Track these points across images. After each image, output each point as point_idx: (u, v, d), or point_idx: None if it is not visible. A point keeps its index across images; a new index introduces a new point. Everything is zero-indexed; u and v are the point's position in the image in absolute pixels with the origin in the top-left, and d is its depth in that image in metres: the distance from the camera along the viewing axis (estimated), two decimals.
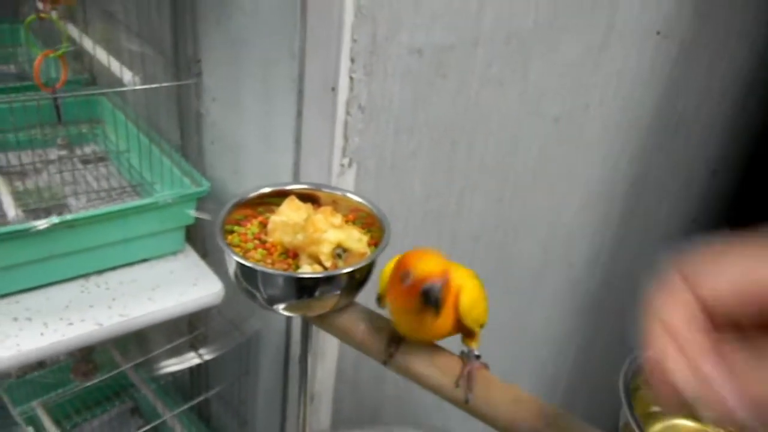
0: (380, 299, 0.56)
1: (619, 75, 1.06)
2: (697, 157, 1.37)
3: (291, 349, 0.96)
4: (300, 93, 0.77)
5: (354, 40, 0.70)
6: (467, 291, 0.52)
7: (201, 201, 0.90)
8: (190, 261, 0.92)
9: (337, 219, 0.58)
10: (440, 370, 0.53)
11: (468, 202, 0.96)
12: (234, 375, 1.04)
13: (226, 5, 0.83)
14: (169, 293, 0.84)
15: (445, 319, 0.51)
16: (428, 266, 0.48)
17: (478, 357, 0.54)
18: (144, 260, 0.88)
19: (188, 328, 1.11)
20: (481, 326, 0.54)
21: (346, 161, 0.77)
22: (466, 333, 0.54)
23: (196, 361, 1.04)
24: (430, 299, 0.47)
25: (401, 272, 0.49)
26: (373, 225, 0.61)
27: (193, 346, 1.07)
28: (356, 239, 0.56)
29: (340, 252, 0.56)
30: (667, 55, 1.13)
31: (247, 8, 0.80)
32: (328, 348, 0.91)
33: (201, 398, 1.06)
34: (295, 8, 0.73)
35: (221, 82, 0.90)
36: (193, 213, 0.87)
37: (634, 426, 0.42)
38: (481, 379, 0.52)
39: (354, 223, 0.61)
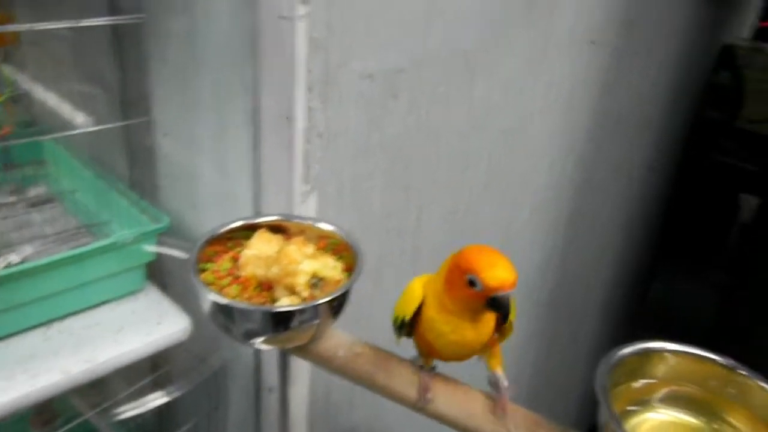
0: (401, 327, 0.54)
1: (558, 85, 1.10)
2: (635, 157, 1.44)
3: (262, 378, 0.95)
4: (256, 124, 0.78)
5: (309, 71, 0.71)
6: None
7: (160, 236, 0.89)
8: (152, 298, 0.90)
9: (310, 249, 0.59)
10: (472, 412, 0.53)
11: (426, 217, 0.98)
12: (203, 410, 1.02)
13: (174, 41, 0.83)
14: (135, 334, 0.83)
15: (489, 322, 0.50)
16: (500, 274, 0.46)
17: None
18: (106, 302, 0.86)
19: (151, 365, 1.09)
20: (511, 324, 0.54)
21: (307, 188, 0.78)
22: (492, 345, 0.53)
23: (164, 399, 1.02)
24: (500, 308, 0.46)
25: (467, 275, 0.46)
26: (344, 251, 0.62)
27: (159, 384, 1.04)
28: (331, 267, 0.57)
29: (316, 281, 0.57)
30: (600, 63, 1.18)
31: (197, 44, 0.81)
32: (299, 374, 0.91)
33: None
34: (246, 42, 0.73)
35: (172, 116, 0.90)
36: (154, 249, 0.86)
37: (614, 425, 0.44)
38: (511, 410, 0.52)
39: (325, 250, 0.62)
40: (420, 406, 0.52)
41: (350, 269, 0.60)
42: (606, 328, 1.73)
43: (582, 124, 1.22)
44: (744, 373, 0.47)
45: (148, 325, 0.85)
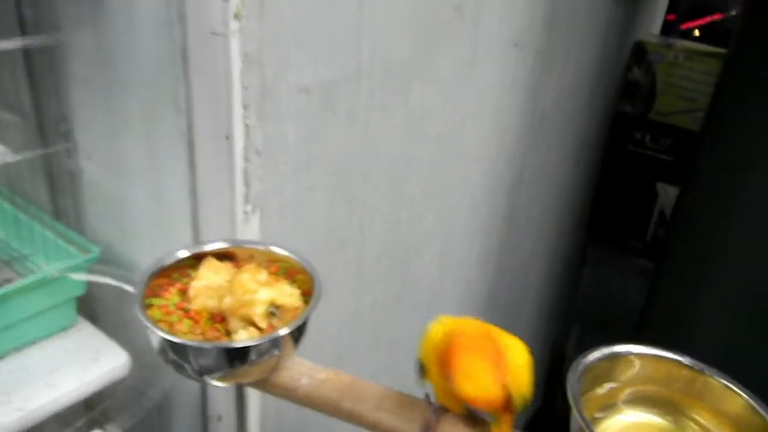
0: (422, 371, 0.50)
1: (488, 87, 1.12)
2: (561, 153, 1.48)
3: (209, 407, 0.92)
4: (191, 145, 0.74)
5: (245, 88, 0.68)
6: (516, 353, 0.48)
7: (90, 268, 0.83)
8: (85, 334, 0.85)
9: (263, 275, 0.56)
10: None
11: (369, 227, 0.97)
12: None
13: (94, 60, 0.78)
14: (70, 374, 0.78)
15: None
16: (471, 390, 0.43)
17: None
18: (35, 341, 0.80)
19: (86, 403, 1.03)
20: (525, 400, 0.48)
21: (249, 208, 0.75)
22: (502, 411, 0.48)
23: None
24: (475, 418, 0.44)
25: (446, 373, 0.44)
26: (297, 274, 0.60)
27: (97, 422, 0.98)
28: (288, 294, 0.55)
29: (274, 310, 0.54)
30: (525, 64, 1.21)
31: (120, 62, 0.76)
32: (250, 399, 0.88)
33: None
34: (176, 60, 0.70)
35: (96, 139, 0.85)
36: (86, 278, 0.80)
37: (586, 430, 0.45)
38: None
39: (277, 275, 0.60)
40: None
41: (306, 293, 0.58)
42: (543, 319, 1.78)
43: (511, 124, 1.24)
44: (707, 372, 0.48)
45: (84, 362, 0.80)
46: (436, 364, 0.47)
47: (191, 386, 0.93)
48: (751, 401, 0.46)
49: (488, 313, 1.45)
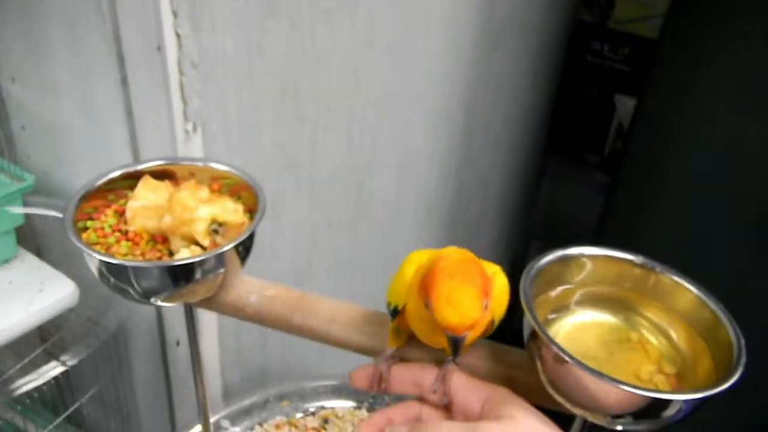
0: (394, 312, 0.47)
1: None
2: (518, 65, 1.45)
3: (166, 333, 0.90)
4: (120, 57, 0.69)
5: None
6: (500, 276, 0.47)
7: (26, 197, 0.79)
8: (28, 265, 0.82)
9: (204, 192, 0.53)
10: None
11: (321, 146, 0.94)
12: (107, 375, 0.96)
13: None
14: (15, 306, 0.75)
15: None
16: (451, 317, 0.40)
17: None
18: None
19: (41, 335, 1.00)
20: (495, 324, 0.47)
21: (189, 126, 0.71)
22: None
23: (60, 369, 0.95)
24: (450, 346, 0.42)
25: (425, 299, 0.41)
26: (241, 191, 0.57)
27: (53, 354, 0.96)
28: (231, 210, 0.52)
29: (216, 227, 0.52)
30: None
31: None
32: (207, 323, 0.87)
33: (75, 407, 0.97)
34: None
35: (19, 59, 0.79)
36: (21, 211, 0.76)
37: (540, 333, 0.44)
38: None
39: (221, 192, 0.57)
40: (374, 393, 0.49)
41: (252, 210, 0.55)
42: (503, 236, 1.80)
43: (466, 35, 1.20)
44: (658, 270, 0.48)
45: (29, 293, 0.77)
46: (413, 300, 0.44)
47: (147, 313, 0.92)
48: (701, 295, 0.46)
49: (448, 233, 1.45)
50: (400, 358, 0.48)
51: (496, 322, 0.47)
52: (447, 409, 0.45)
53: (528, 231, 1.97)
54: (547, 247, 0.50)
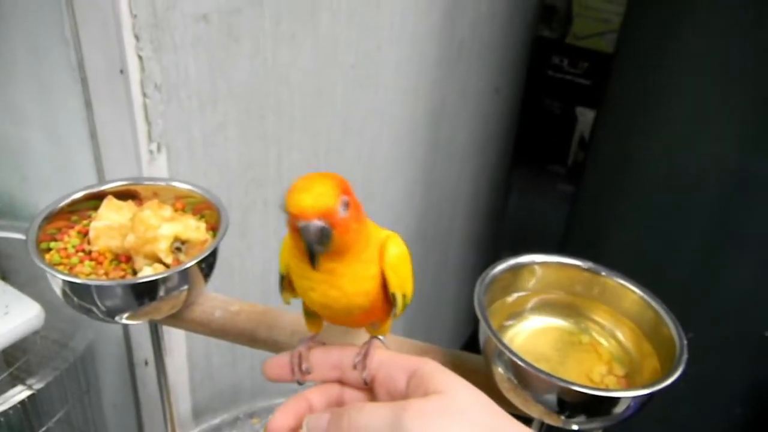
0: (281, 280, 0.43)
1: (402, 13, 1.10)
2: (481, 80, 1.48)
3: (134, 352, 0.90)
4: (84, 81, 0.70)
5: (134, 16, 0.64)
6: (394, 242, 0.41)
7: None
8: None
9: (167, 211, 0.54)
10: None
11: (287, 164, 0.95)
12: (75, 397, 0.95)
13: None
14: None
15: (363, 283, 0.39)
16: (297, 199, 0.36)
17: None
18: None
19: (6, 359, 0.99)
20: (405, 298, 0.42)
21: (154, 146, 0.72)
22: (382, 319, 0.43)
23: (26, 393, 0.94)
24: (303, 238, 0.36)
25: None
26: (204, 209, 0.58)
27: (18, 378, 0.95)
28: (193, 228, 0.54)
29: (179, 245, 0.53)
30: None
31: None
32: (175, 343, 0.87)
33: (42, 431, 0.96)
34: None
35: None
36: None
37: (494, 339, 0.46)
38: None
39: (184, 211, 0.58)
40: (298, 380, 0.42)
41: (215, 228, 0.56)
42: (471, 247, 1.82)
43: (428, 52, 1.23)
44: (604, 273, 0.50)
45: None
46: (290, 255, 0.40)
47: (115, 333, 0.91)
48: (645, 296, 0.48)
49: (417, 246, 1.47)
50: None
51: (408, 298, 0.43)
52: (370, 390, 0.40)
53: (497, 241, 2.00)
54: (515, 256, 0.52)
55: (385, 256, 0.41)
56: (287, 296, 0.44)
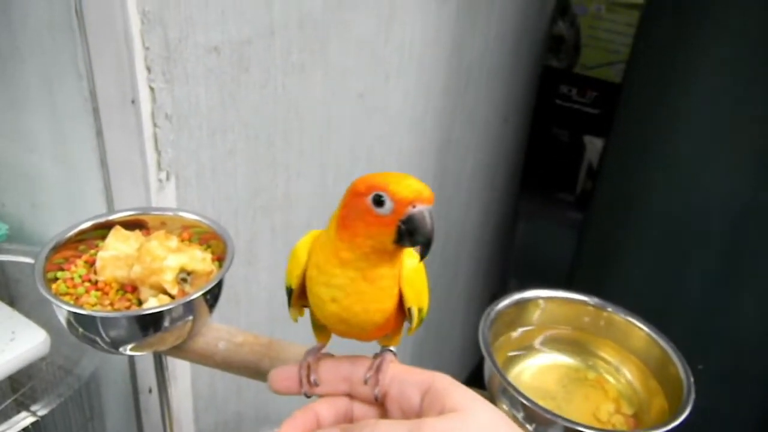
0: (289, 293, 0.41)
1: (410, 43, 1.11)
2: (489, 109, 1.49)
3: (138, 381, 0.90)
4: (96, 111, 0.71)
5: (146, 48, 0.65)
6: (409, 254, 0.39)
7: (0, 245, 0.80)
8: (0, 314, 0.81)
9: (173, 242, 0.55)
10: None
11: (294, 191, 0.95)
12: (78, 424, 0.95)
13: None
14: None
15: (389, 290, 0.38)
16: (414, 184, 0.34)
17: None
18: None
19: (11, 385, 0.99)
20: (421, 312, 0.40)
21: (163, 175, 0.73)
22: (394, 332, 0.41)
23: (30, 420, 0.94)
24: (418, 230, 0.34)
25: (372, 193, 0.34)
26: (211, 239, 0.58)
27: (23, 404, 0.95)
28: (199, 259, 0.54)
29: (185, 276, 0.53)
30: (448, 19, 1.20)
31: (13, 28, 0.72)
32: (179, 371, 0.87)
33: None
34: (71, 22, 0.66)
35: None
36: None
37: (499, 377, 0.46)
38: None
39: (191, 241, 0.58)
40: (306, 393, 0.40)
41: (221, 258, 0.56)
42: (480, 275, 1.82)
43: (436, 81, 1.24)
44: (610, 309, 0.50)
45: (0, 343, 0.77)
46: (323, 249, 0.38)
47: (120, 361, 0.91)
48: (651, 333, 0.48)
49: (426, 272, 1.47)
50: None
51: (424, 312, 0.41)
52: (381, 405, 0.39)
53: (505, 269, 1.99)
54: (524, 284, 0.52)
55: (402, 270, 0.39)
56: (295, 313, 0.43)
